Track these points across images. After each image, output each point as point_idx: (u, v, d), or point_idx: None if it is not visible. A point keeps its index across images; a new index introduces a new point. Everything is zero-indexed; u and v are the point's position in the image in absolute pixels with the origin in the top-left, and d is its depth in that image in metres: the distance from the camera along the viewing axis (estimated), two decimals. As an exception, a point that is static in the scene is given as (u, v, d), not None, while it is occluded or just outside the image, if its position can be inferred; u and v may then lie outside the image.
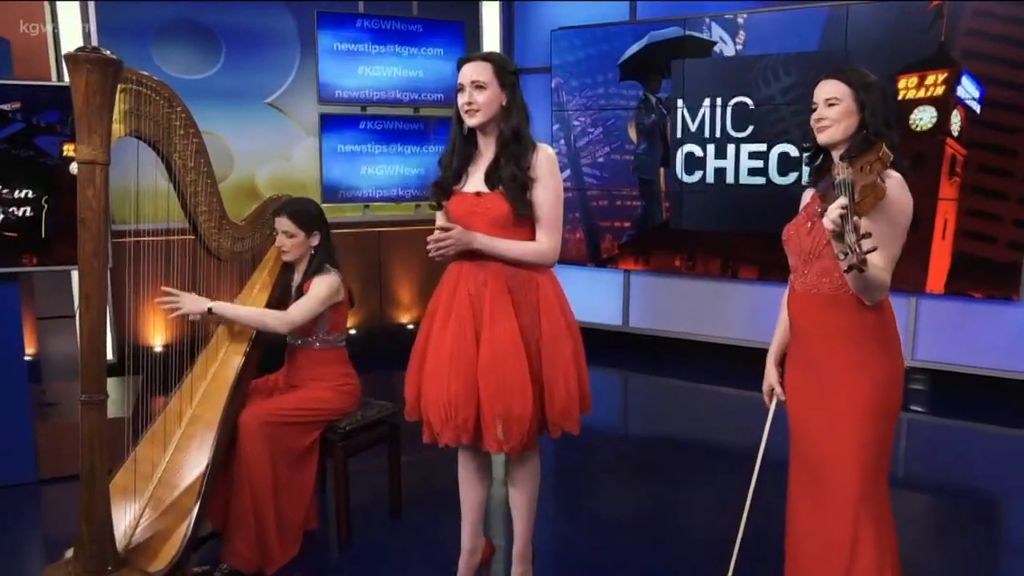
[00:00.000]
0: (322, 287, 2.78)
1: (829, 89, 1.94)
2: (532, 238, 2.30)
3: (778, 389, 2.16)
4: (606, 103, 5.60)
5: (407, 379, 2.39)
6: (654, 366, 5.53)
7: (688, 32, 5.23)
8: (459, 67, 2.27)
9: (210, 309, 2.65)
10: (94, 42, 4.59)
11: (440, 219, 2.33)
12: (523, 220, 2.28)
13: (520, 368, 2.22)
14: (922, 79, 4.46)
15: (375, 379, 3.24)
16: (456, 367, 2.24)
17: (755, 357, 5.24)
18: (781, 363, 2.17)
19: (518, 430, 2.22)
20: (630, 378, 5.43)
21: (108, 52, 2.14)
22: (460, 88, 2.26)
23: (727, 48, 5.09)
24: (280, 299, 2.93)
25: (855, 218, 1.63)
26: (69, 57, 2.12)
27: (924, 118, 4.46)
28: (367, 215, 5.70)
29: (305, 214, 2.85)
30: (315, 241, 2.87)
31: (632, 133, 5.52)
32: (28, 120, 3.23)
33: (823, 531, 1.95)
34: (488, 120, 2.25)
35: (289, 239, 2.83)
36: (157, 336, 4.75)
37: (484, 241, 2.25)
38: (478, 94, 2.22)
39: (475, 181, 2.31)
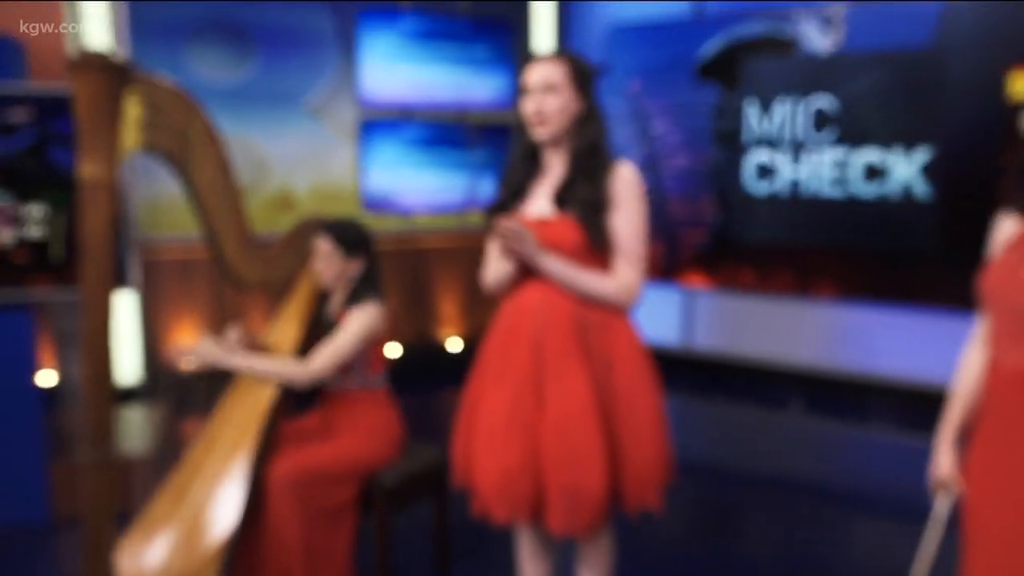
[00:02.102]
0: (357, 322, 2.43)
1: None
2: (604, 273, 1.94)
3: (955, 480, 1.64)
4: (686, 107, 5.17)
5: (455, 440, 2.04)
6: (718, 391, 5.10)
7: (769, 28, 4.78)
8: (526, 67, 1.90)
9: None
10: (122, 44, 4.33)
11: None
12: (597, 251, 1.91)
13: (591, 434, 1.85)
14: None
15: (415, 405, 2.90)
16: (514, 431, 1.87)
17: (830, 385, 4.96)
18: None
19: (588, 509, 1.85)
20: (690, 403, 5.01)
21: (116, 55, 1.86)
22: (527, 92, 1.89)
23: (821, 44, 4.63)
24: (313, 331, 2.60)
25: None
26: (70, 62, 1.84)
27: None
28: (408, 227, 5.37)
29: (347, 238, 2.51)
30: (356, 268, 2.53)
31: (704, 138, 5.10)
32: (41, 130, 2.94)
33: None
34: (560, 132, 1.89)
35: (326, 260, 2.50)
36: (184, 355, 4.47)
37: (555, 264, 1.88)
38: (550, 99, 1.86)
39: (540, 204, 1.96)
